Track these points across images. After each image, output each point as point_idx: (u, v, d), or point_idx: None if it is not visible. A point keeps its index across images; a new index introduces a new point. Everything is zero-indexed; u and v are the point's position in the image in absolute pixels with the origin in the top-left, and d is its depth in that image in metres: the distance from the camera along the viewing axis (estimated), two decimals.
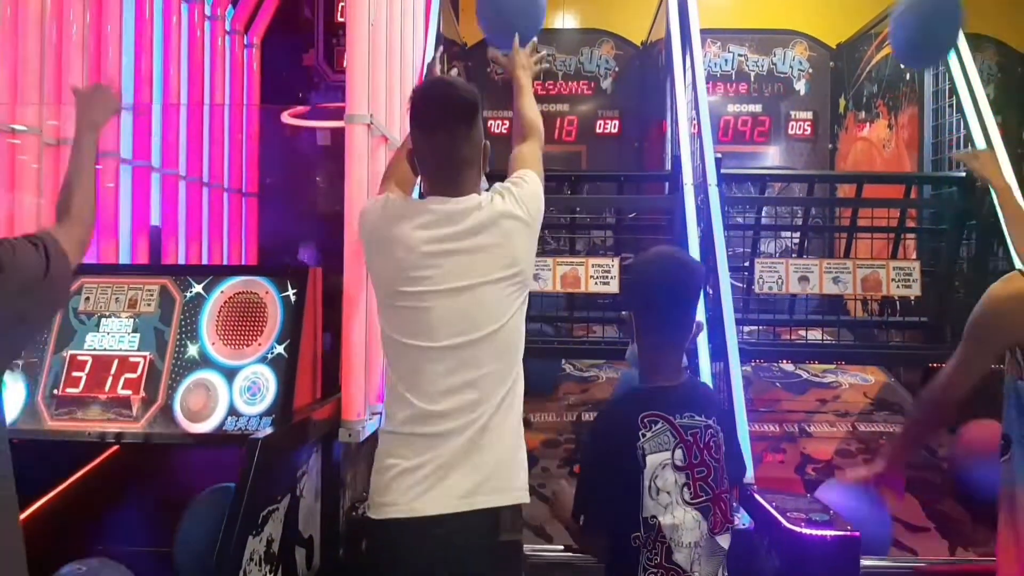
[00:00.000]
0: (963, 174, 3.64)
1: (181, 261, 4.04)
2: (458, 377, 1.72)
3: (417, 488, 1.68)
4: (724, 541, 1.94)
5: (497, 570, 1.71)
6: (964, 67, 3.72)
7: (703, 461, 1.93)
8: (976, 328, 1.90)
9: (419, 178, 2.01)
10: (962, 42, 3.80)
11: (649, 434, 1.92)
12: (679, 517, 1.87)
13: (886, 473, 2.15)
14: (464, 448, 1.69)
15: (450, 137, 1.77)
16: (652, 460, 1.90)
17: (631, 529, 1.88)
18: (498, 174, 2.02)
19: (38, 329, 1.56)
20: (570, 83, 6.09)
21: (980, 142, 3.51)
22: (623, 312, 2.15)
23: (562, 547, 2.34)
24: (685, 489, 1.90)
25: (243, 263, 4.53)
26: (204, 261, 4.23)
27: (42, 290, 1.46)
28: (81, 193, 1.71)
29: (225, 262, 4.38)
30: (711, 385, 2.84)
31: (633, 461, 1.90)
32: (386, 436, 1.77)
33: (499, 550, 1.71)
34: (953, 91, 3.79)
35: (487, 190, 1.89)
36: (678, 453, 1.91)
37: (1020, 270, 1.84)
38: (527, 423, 1.91)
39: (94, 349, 2.33)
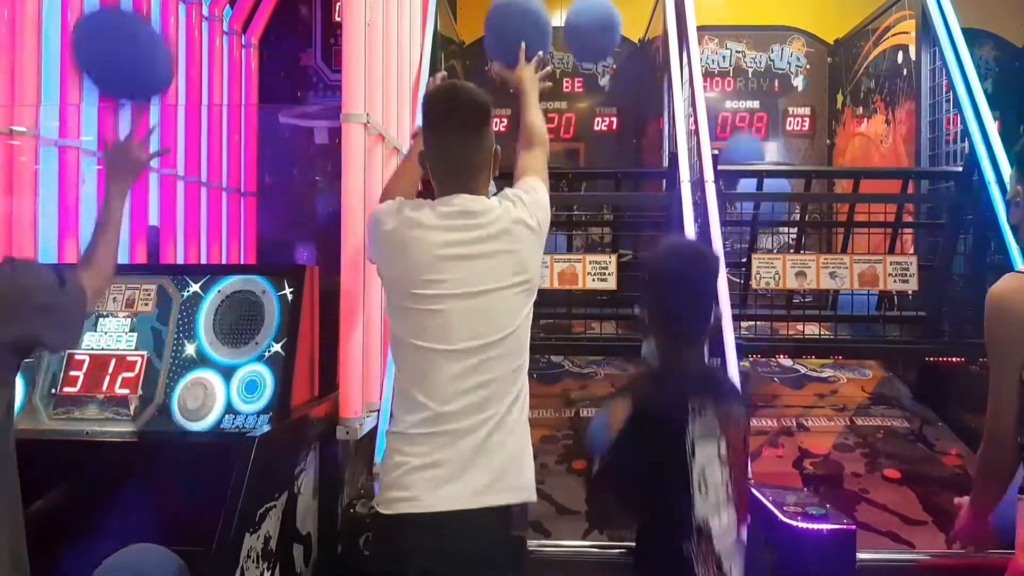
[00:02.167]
0: (959, 168, 3.64)
1: (180, 261, 4.05)
2: (471, 380, 1.73)
3: (430, 484, 1.69)
4: (744, 534, 1.88)
5: (506, 565, 1.74)
6: (961, 62, 3.73)
7: (737, 453, 1.83)
8: (992, 341, 1.75)
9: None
10: (959, 37, 3.80)
11: (700, 420, 1.76)
12: (725, 520, 1.76)
13: (971, 527, 1.95)
14: (476, 447, 1.71)
15: (461, 140, 1.81)
16: (703, 452, 1.75)
17: (683, 535, 1.74)
18: (504, 175, 2.03)
19: (52, 350, 1.64)
20: (568, 80, 6.09)
21: (977, 137, 3.52)
22: (635, 309, 2.04)
23: (560, 543, 2.35)
24: (728, 486, 1.77)
25: (242, 263, 4.54)
26: (202, 261, 4.24)
27: (56, 312, 1.51)
28: (105, 247, 1.76)
29: (224, 262, 4.38)
30: None
31: (680, 451, 1.75)
32: (395, 436, 1.78)
33: (509, 546, 1.75)
34: (951, 86, 3.79)
35: (495, 194, 1.90)
36: (722, 444, 1.78)
37: (1018, 271, 1.77)
38: None
39: (92, 348, 2.34)
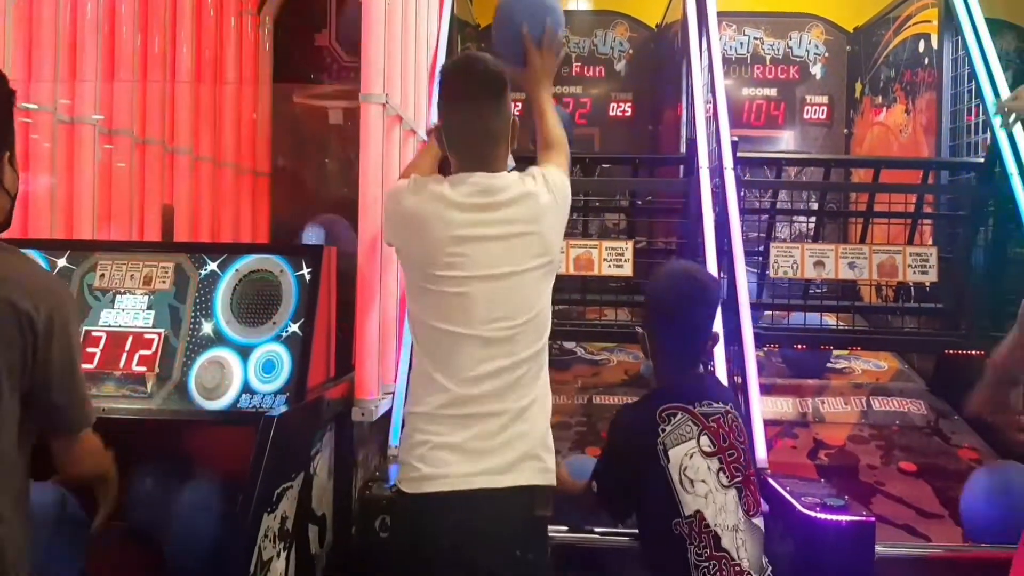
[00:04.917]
0: (981, 160, 3.60)
1: (192, 240, 4.03)
2: (495, 363, 1.72)
3: (455, 463, 1.68)
4: (760, 524, 1.96)
5: (530, 545, 1.73)
6: (984, 52, 3.68)
7: (732, 444, 1.96)
8: None
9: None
10: (982, 27, 3.75)
11: (668, 427, 1.94)
12: (720, 501, 1.89)
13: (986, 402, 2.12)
14: (500, 429, 1.70)
15: (478, 109, 1.78)
16: (676, 453, 1.92)
17: (672, 516, 1.90)
18: (527, 157, 2.01)
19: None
20: (583, 66, 6.04)
21: (998, 127, 3.47)
22: (637, 329, 2.18)
23: (567, 528, 2.33)
24: (721, 473, 1.92)
25: (254, 242, 4.52)
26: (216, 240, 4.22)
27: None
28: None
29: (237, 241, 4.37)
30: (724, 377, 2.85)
31: (655, 460, 1.92)
32: (417, 416, 1.77)
33: (533, 526, 1.74)
34: (972, 76, 3.74)
35: (513, 168, 1.88)
36: (704, 439, 1.93)
37: None
38: None
39: (109, 325, 2.33)
